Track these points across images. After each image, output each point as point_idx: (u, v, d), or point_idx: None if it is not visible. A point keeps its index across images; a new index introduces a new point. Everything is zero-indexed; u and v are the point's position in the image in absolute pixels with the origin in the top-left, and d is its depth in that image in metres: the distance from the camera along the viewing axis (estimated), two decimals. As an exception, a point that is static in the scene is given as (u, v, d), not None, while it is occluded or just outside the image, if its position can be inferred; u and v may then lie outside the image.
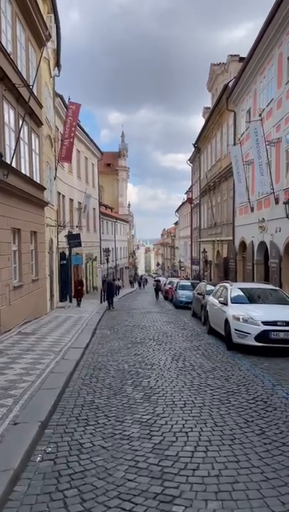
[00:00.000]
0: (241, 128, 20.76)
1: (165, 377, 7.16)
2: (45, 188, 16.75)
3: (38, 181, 15.66)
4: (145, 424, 4.94)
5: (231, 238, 22.72)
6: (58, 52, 20.82)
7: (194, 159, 38.65)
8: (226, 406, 5.61)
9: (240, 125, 21.21)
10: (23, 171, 13.18)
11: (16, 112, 12.33)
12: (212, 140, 29.13)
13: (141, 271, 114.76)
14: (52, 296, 18.90)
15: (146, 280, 63.45)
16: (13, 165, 11.62)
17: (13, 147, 11.55)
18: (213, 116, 26.97)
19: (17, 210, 12.43)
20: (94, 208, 35.85)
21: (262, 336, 8.92)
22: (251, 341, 9.04)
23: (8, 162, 11.01)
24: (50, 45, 18.39)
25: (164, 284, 33.38)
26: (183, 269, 53.59)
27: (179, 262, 58.17)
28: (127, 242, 63.96)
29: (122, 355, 9.05)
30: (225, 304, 10.57)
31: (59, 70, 21.58)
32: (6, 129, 11.30)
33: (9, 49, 11.74)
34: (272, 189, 15.17)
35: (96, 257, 35.57)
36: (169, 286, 29.42)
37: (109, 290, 22.02)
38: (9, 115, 11.75)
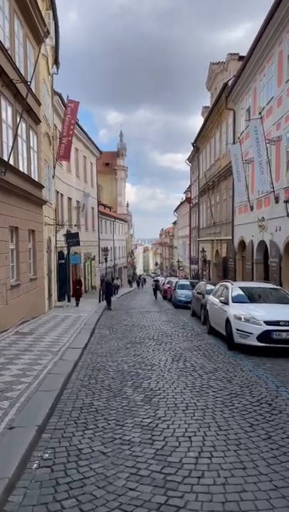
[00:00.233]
0: (241, 126, 20.61)
1: (166, 378, 6.98)
2: (43, 187, 16.56)
3: (36, 179, 15.47)
4: (146, 428, 4.76)
5: (230, 237, 22.56)
6: (56, 49, 20.62)
7: (193, 159, 38.50)
8: (230, 409, 5.43)
9: (239, 124, 21.05)
10: (21, 169, 12.99)
11: (14, 108, 12.14)
12: (211, 139, 28.96)
13: (139, 270, 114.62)
14: (50, 295, 18.71)
15: (144, 280, 63.30)
16: (11, 162, 11.44)
17: (10, 144, 11.36)
18: (212, 115, 26.81)
19: (15, 208, 12.24)
20: (92, 207, 35.65)
21: (264, 336, 8.74)
22: (253, 341, 8.87)
23: (6, 159, 10.83)
24: (49, 42, 18.21)
25: (163, 284, 33.22)
26: (181, 268, 53.42)
27: (178, 261, 57.99)
28: (125, 241, 63.75)
29: (122, 356, 8.86)
30: (226, 303, 10.40)
31: (57, 68, 21.39)
32: (3, 125, 11.12)
33: (7, 45, 11.55)
34: (273, 188, 15.02)
35: (94, 256, 35.38)
36: (168, 285, 29.26)
37: (108, 290, 21.84)
38: (6, 112, 11.56)
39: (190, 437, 4.51)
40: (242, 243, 20.61)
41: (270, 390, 6.25)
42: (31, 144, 14.78)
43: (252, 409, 5.42)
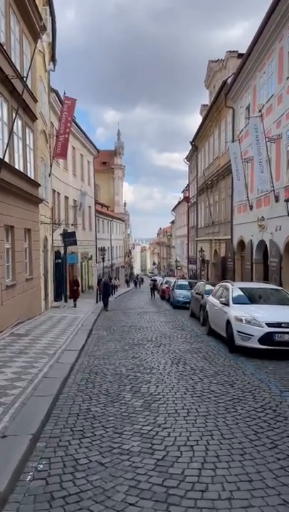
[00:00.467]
0: (240, 125, 20.39)
1: (165, 382, 6.76)
2: (39, 185, 16.30)
3: (33, 177, 15.21)
4: (146, 437, 4.54)
5: (229, 237, 22.36)
6: (53, 46, 20.36)
7: (191, 157, 38.28)
8: (233, 415, 5.21)
9: (238, 122, 20.84)
10: (16, 167, 12.74)
11: (10, 105, 11.89)
12: (210, 138, 28.74)
13: (137, 270, 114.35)
14: (46, 295, 18.47)
15: (142, 279, 63.04)
16: (6, 159, 11.19)
17: (6, 142, 11.11)
18: (211, 114, 26.59)
19: (10, 206, 11.99)
20: (89, 206, 35.39)
21: (266, 338, 8.54)
22: (255, 344, 8.66)
23: (1, 157, 10.58)
24: (45, 38, 17.95)
25: (161, 284, 33.01)
26: (179, 268, 53.16)
27: (176, 261, 57.73)
28: (122, 241, 63.49)
29: (120, 358, 8.64)
30: (226, 304, 10.18)
31: (54, 65, 21.11)
32: (-2, 122, 10.87)
33: (2, 40, 11.31)
34: (273, 186, 14.83)
35: (92, 255, 35.12)
36: (166, 285, 29.04)
37: (105, 290, 21.58)
38: (2, 108, 11.31)
39: (192, 446, 4.30)
40: (241, 243, 20.41)
41: (274, 395, 6.04)
42: (27, 142, 14.52)
43: (256, 415, 5.20)
